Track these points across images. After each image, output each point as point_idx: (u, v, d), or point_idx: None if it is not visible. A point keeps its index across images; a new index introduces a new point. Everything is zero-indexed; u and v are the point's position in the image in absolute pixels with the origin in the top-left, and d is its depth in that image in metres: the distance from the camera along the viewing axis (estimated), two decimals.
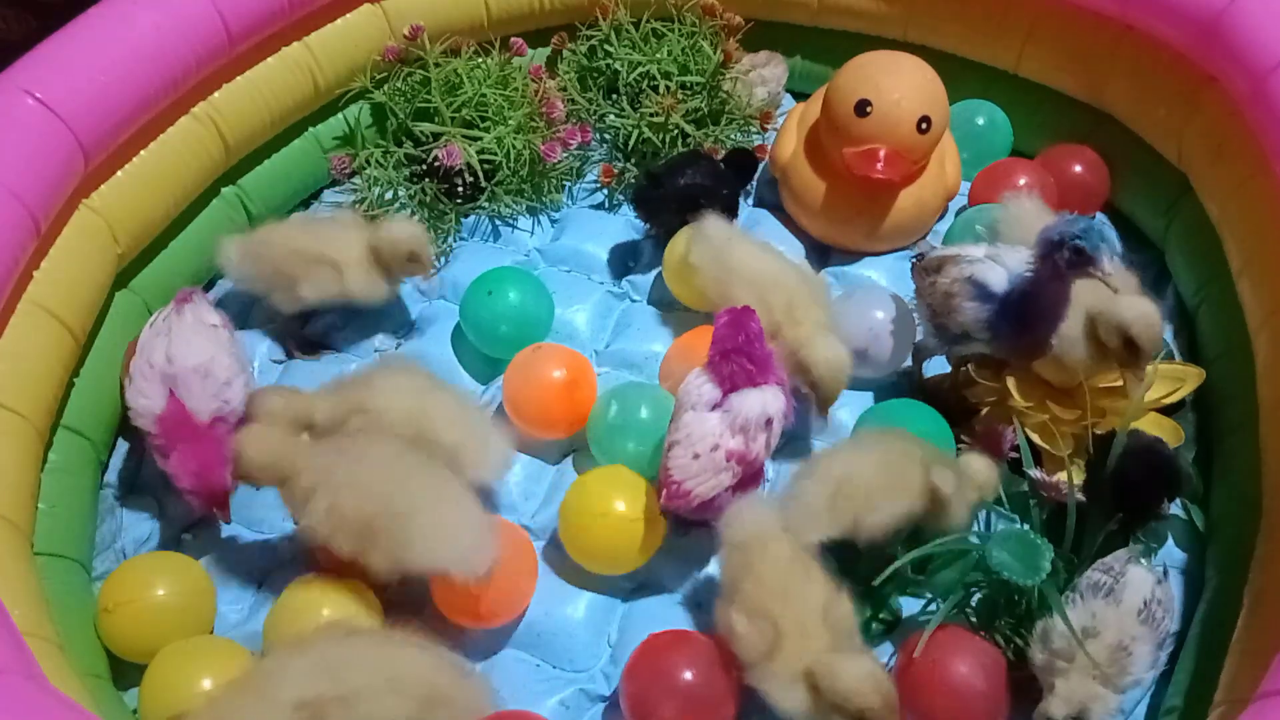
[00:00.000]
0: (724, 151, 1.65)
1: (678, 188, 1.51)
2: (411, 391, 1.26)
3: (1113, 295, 1.16)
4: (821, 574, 1.09)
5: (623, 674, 1.13)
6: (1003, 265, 1.24)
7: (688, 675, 1.08)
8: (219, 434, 1.22)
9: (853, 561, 1.16)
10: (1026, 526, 1.22)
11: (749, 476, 1.20)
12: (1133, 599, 1.08)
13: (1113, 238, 1.10)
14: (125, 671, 1.18)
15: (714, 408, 1.17)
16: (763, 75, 1.77)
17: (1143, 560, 1.13)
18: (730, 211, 1.56)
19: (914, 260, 1.37)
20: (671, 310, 1.53)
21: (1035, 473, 1.22)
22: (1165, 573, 1.15)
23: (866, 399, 1.42)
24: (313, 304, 1.45)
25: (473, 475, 1.22)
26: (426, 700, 1.01)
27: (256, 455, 1.17)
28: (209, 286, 1.58)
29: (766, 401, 1.17)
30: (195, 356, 1.25)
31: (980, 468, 1.18)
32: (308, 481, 1.15)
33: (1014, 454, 1.26)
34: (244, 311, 1.55)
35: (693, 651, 1.10)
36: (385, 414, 1.24)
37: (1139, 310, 1.15)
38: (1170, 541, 1.28)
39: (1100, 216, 1.62)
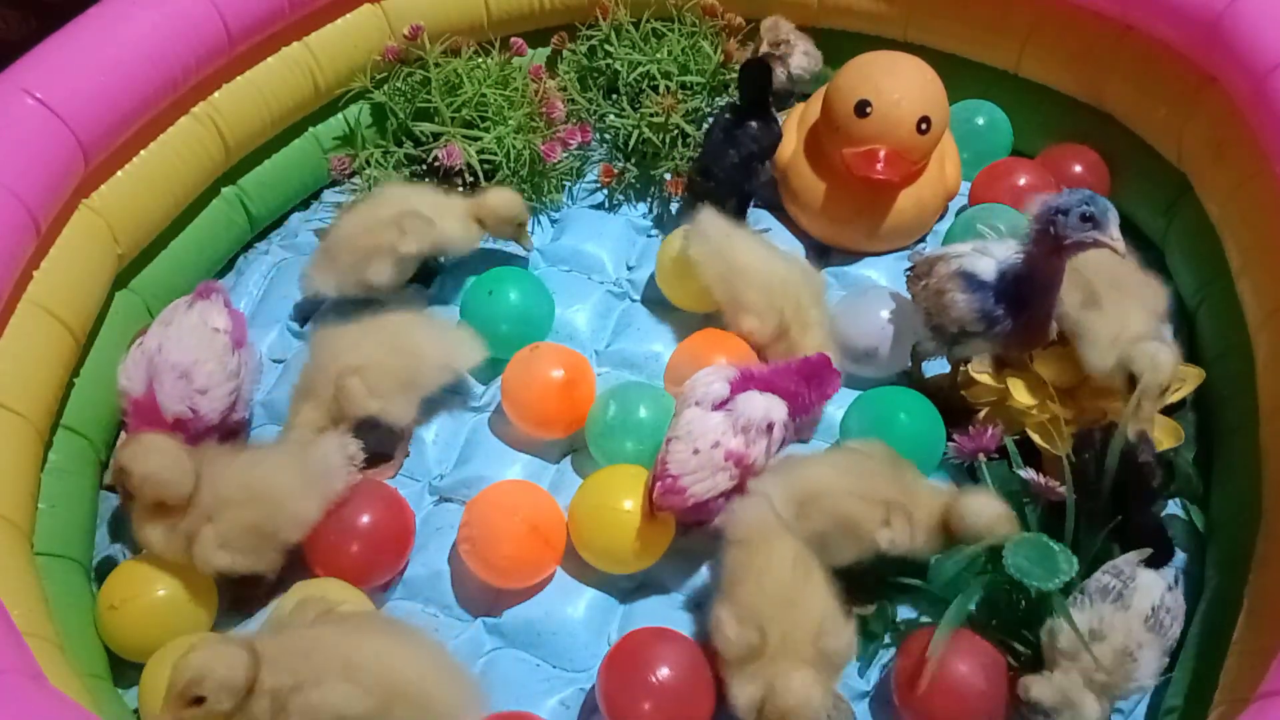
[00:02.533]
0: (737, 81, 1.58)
1: (728, 169, 1.52)
2: None
3: (1139, 338, 1.20)
4: (824, 584, 1.07)
5: (599, 670, 1.12)
6: (990, 255, 1.24)
7: (663, 673, 1.07)
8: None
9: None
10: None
11: (745, 484, 1.18)
12: (1141, 604, 1.08)
13: (1114, 209, 1.12)
14: (125, 671, 1.18)
15: (718, 406, 1.18)
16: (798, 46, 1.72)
17: None
18: (765, 156, 1.57)
19: (907, 272, 1.37)
20: (672, 310, 1.52)
21: (1027, 473, 1.22)
22: (1177, 579, 1.15)
23: None
24: (415, 259, 1.45)
25: None
26: (386, 696, 0.99)
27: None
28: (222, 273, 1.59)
29: (770, 407, 1.19)
30: (181, 354, 1.25)
31: (981, 509, 1.12)
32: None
33: (997, 456, 1.25)
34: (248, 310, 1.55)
35: (669, 650, 1.10)
36: None
37: (1147, 354, 1.17)
38: None
39: None
